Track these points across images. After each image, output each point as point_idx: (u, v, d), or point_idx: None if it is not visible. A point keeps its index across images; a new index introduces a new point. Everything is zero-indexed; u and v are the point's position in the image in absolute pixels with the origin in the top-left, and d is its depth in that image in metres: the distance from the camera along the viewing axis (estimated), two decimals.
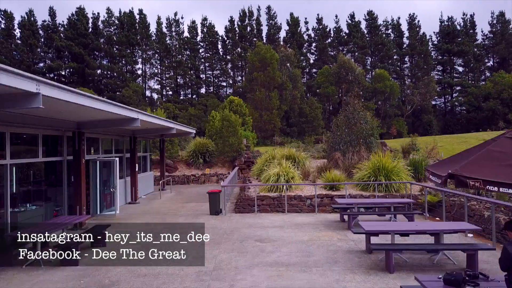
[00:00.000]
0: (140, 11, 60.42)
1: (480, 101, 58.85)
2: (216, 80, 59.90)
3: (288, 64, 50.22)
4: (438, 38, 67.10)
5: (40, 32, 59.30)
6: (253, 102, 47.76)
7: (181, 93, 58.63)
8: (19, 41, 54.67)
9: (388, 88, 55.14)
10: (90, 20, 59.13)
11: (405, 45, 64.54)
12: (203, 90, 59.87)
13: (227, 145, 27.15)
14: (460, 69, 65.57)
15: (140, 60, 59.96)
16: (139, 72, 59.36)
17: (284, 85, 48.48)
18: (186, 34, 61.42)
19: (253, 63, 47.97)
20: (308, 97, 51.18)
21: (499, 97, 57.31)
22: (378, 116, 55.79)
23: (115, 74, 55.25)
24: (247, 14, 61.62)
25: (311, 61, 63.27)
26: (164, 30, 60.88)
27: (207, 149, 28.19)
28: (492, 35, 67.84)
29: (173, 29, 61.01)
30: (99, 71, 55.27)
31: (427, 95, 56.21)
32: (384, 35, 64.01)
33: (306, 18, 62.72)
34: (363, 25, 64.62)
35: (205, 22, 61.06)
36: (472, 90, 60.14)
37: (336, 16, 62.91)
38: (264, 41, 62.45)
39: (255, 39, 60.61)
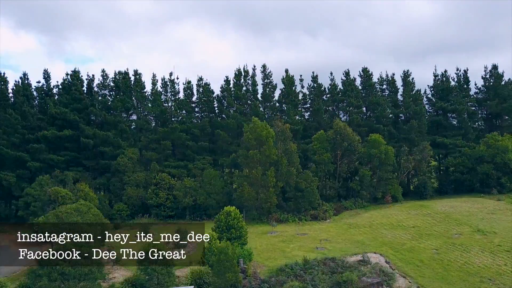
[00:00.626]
0: (135, 72, 60.40)
1: (473, 163, 59.41)
2: (212, 145, 59.80)
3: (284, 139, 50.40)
4: (432, 91, 67.76)
5: (34, 93, 59.08)
6: (249, 180, 47.94)
7: (177, 157, 58.52)
8: (12, 110, 54.26)
9: (383, 154, 55.46)
10: (85, 83, 59.00)
11: (399, 102, 64.94)
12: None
13: (224, 280, 27.19)
14: (454, 124, 66.10)
15: (135, 124, 59.89)
16: (135, 134, 59.18)
17: (280, 161, 48.68)
18: (181, 94, 61.58)
19: (249, 141, 48.13)
20: (304, 172, 51.30)
21: (493, 161, 57.91)
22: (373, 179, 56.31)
23: (110, 141, 55.01)
24: (243, 73, 61.71)
25: (306, 119, 63.51)
26: (159, 88, 60.90)
27: (203, 281, 28.23)
28: (485, 89, 68.61)
29: (168, 89, 61.00)
30: (94, 139, 54.97)
31: (422, 161, 56.67)
32: (379, 93, 64.41)
33: (301, 76, 62.61)
34: (358, 81, 65.03)
35: (201, 82, 61.11)
36: (466, 151, 60.70)
37: (331, 73, 62.96)
38: (260, 98, 62.69)
39: (249, 101, 60.79)
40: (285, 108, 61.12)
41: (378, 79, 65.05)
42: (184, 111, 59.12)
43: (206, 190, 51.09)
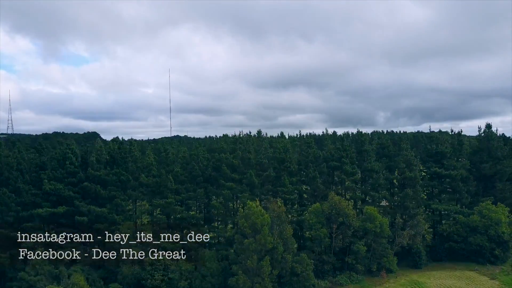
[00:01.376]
0: (131, 142, 60.25)
1: (467, 232, 59.89)
2: (207, 215, 59.79)
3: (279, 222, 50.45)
4: (428, 148, 68.23)
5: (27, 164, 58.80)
6: (244, 268, 47.91)
7: (172, 229, 58.34)
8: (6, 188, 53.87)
9: (378, 228, 55.78)
10: (80, 156, 58.76)
11: (394, 165, 65.28)
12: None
13: None
14: (448, 188, 66.54)
15: (132, 198, 59.68)
16: (131, 211, 59.01)
17: (276, 249, 48.72)
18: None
19: (243, 228, 48.16)
20: (300, 254, 51.35)
21: (486, 232, 58.39)
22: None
23: (105, 216, 54.78)
24: (238, 140, 61.75)
25: (301, 186, 63.57)
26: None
27: None
28: (479, 150, 69.15)
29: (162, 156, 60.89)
30: (89, 216, 54.70)
31: (417, 235, 57.03)
32: (373, 158, 64.70)
33: (296, 138, 62.96)
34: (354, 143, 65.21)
35: (197, 151, 61.01)
36: (460, 219, 61.18)
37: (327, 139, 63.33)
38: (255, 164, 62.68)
39: (245, 170, 60.75)
40: (281, 177, 61.06)
41: (372, 143, 65.30)
42: (179, 184, 58.88)
43: (201, 273, 51.04)
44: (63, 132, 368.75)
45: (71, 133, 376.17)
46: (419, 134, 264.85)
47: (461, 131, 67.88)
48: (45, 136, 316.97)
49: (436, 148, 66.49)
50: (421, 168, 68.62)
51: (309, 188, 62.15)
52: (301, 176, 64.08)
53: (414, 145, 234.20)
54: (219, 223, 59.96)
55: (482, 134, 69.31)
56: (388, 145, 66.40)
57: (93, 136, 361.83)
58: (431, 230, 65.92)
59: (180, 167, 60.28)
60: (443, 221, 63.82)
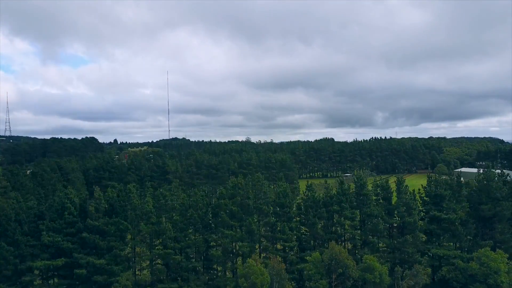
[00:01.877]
0: (130, 189, 59.99)
1: (467, 279, 59.87)
2: (207, 263, 59.68)
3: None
4: (426, 190, 68.13)
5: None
6: None
7: (170, 277, 58.26)
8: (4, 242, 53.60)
9: (377, 278, 55.77)
10: (79, 204, 58.52)
11: (393, 208, 65.24)
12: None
13: None
14: (447, 232, 66.47)
15: (130, 247, 59.51)
16: (130, 259, 58.83)
17: None
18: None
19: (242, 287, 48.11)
20: None
21: (486, 281, 58.35)
22: None
23: (104, 269, 54.62)
24: (237, 185, 61.60)
25: (301, 232, 63.47)
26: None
27: None
28: (478, 191, 69.06)
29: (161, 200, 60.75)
30: (87, 268, 54.54)
31: (416, 286, 57.01)
32: (373, 201, 64.66)
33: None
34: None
35: (197, 197, 60.87)
36: (459, 265, 61.16)
37: (326, 181, 63.22)
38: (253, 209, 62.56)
39: (244, 215, 60.66)
40: (279, 224, 60.94)
41: (372, 187, 65.27)
42: (178, 232, 58.70)
43: None
44: (61, 137, 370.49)
45: (69, 138, 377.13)
46: (417, 143, 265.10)
47: (460, 173, 67.61)
48: (43, 143, 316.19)
49: (435, 191, 66.39)
50: (420, 208, 68.53)
51: (308, 231, 62.10)
52: (301, 218, 64.04)
53: (413, 155, 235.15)
54: (218, 271, 59.79)
55: (482, 175, 69.19)
56: (387, 187, 66.25)
57: (91, 142, 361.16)
58: (430, 274, 65.89)
59: (179, 214, 60.08)
60: (443, 266, 63.75)
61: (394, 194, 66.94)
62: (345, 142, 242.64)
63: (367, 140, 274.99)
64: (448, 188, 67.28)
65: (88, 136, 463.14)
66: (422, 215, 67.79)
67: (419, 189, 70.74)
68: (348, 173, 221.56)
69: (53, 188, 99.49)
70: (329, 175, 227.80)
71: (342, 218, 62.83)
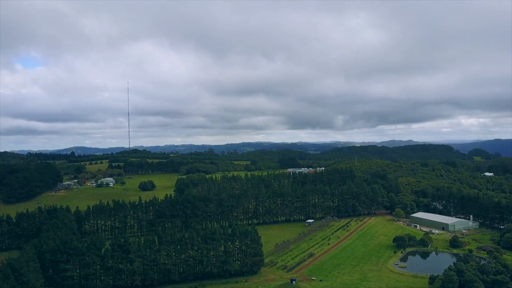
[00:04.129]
0: None
1: None
2: None
3: None
4: None
5: None
6: None
7: None
8: None
9: None
10: None
11: None
12: None
13: None
14: None
15: None
16: None
17: None
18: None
19: None
20: None
21: None
22: None
23: None
24: None
25: None
26: None
27: None
28: None
29: None
30: None
31: None
32: None
33: None
34: None
35: None
36: None
37: None
38: None
39: None
40: None
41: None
42: None
43: None
44: (13, 164, 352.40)
45: (23, 163, 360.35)
46: (376, 185, 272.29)
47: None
48: None
49: None
50: None
51: None
52: None
53: (372, 198, 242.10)
54: None
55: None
56: None
57: (46, 169, 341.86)
58: None
59: None
60: None
61: None
62: (307, 187, 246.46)
63: (330, 185, 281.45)
64: None
65: (44, 161, 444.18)
66: None
67: None
68: (311, 219, 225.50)
69: None
70: (292, 219, 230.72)
71: None
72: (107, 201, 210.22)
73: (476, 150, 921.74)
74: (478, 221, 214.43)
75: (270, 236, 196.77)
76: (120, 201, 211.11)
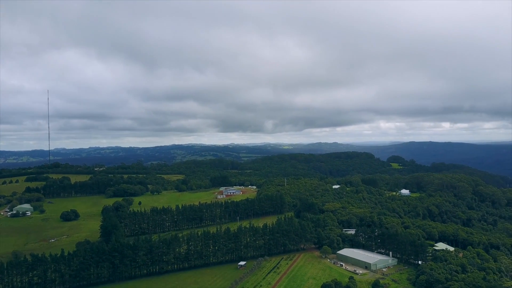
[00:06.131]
0: None
1: None
2: None
3: None
4: None
5: None
6: None
7: None
8: None
9: None
10: None
11: None
12: None
13: None
14: None
15: None
16: None
17: None
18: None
19: None
20: None
21: None
22: None
23: None
24: None
25: None
26: None
27: None
28: None
29: None
30: None
31: None
32: None
33: None
34: None
35: None
36: None
37: None
38: None
39: None
40: None
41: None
42: None
43: None
44: None
45: None
46: (305, 222, 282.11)
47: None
48: None
49: None
50: None
51: None
52: None
53: (301, 235, 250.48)
54: None
55: None
56: None
57: None
58: None
59: None
60: None
61: None
62: (240, 228, 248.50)
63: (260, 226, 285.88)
64: None
65: None
66: None
67: None
68: (242, 260, 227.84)
69: None
70: (224, 260, 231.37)
71: None
72: (24, 256, 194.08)
73: (393, 157, 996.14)
74: (396, 256, 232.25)
75: (203, 284, 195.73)
76: (40, 255, 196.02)
